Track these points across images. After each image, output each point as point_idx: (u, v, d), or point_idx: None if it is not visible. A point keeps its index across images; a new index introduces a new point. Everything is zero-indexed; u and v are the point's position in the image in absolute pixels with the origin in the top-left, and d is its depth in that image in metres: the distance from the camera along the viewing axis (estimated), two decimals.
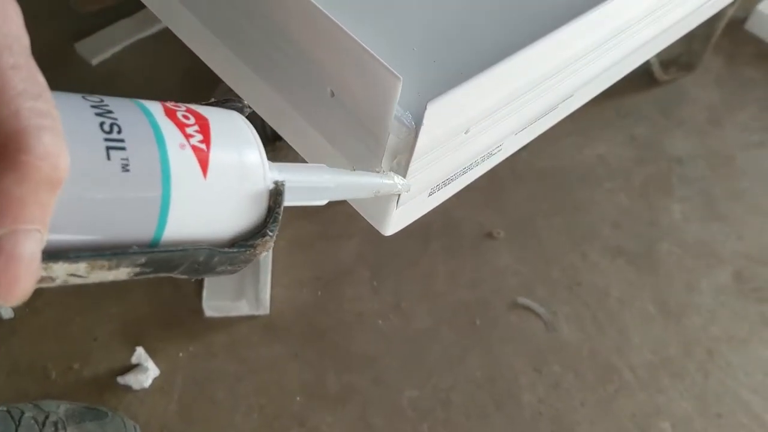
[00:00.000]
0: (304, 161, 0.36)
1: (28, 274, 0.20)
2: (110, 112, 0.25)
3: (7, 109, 0.20)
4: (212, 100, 0.31)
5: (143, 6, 0.55)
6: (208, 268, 0.28)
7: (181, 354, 1.02)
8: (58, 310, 1.04)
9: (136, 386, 0.97)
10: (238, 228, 0.28)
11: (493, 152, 0.44)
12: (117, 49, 1.37)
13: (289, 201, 0.30)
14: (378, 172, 0.35)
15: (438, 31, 0.40)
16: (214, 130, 0.27)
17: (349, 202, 0.41)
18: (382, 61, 0.31)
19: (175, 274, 0.27)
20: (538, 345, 1.07)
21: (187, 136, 0.26)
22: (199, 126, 0.27)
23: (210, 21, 0.45)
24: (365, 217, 0.41)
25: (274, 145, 0.97)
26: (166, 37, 1.37)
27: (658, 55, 1.36)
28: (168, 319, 1.05)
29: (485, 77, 0.33)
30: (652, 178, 1.31)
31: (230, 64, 0.43)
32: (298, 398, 0.99)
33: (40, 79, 0.21)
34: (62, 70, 1.33)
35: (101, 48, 1.36)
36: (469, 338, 1.07)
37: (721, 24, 1.37)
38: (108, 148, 0.23)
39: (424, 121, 0.32)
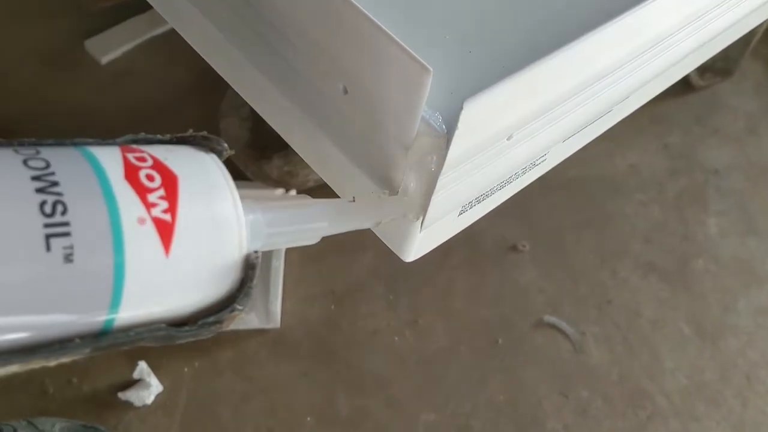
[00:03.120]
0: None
1: None
2: (55, 184, 0.21)
3: None
4: (190, 131, 0.27)
5: None
6: (169, 342, 0.25)
7: (185, 370, 0.98)
8: None
9: (137, 403, 0.93)
10: (203, 302, 0.25)
11: (537, 162, 0.38)
12: (128, 47, 1.33)
13: (276, 246, 0.27)
14: (381, 196, 0.29)
15: (475, 16, 0.33)
16: (182, 193, 0.23)
17: None
18: (406, 48, 0.24)
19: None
20: (564, 367, 1.02)
21: (149, 206, 0.22)
22: (166, 189, 0.23)
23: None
24: (382, 239, 0.35)
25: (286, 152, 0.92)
26: (180, 36, 1.32)
27: None
28: None
29: (536, 71, 0.27)
30: (686, 190, 1.25)
31: (225, 52, 0.37)
32: (308, 419, 0.95)
33: None
34: (71, 69, 1.29)
35: (112, 46, 1.32)
36: (490, 359, 1.02)
37: (760, 29, 1.31)
38: (48, 236, 0.20)
39: (459, 125, 0.25)
